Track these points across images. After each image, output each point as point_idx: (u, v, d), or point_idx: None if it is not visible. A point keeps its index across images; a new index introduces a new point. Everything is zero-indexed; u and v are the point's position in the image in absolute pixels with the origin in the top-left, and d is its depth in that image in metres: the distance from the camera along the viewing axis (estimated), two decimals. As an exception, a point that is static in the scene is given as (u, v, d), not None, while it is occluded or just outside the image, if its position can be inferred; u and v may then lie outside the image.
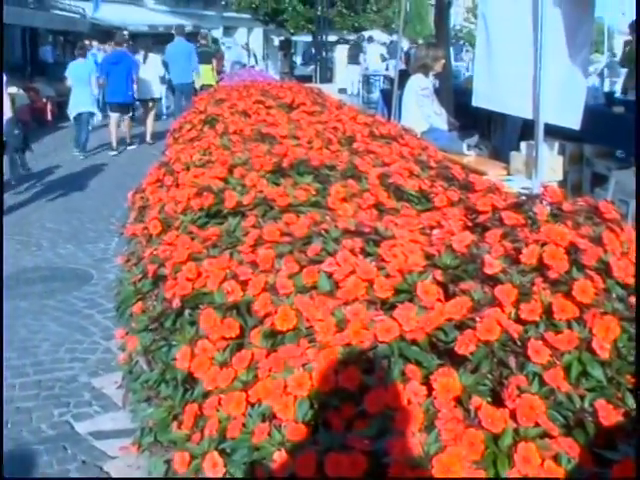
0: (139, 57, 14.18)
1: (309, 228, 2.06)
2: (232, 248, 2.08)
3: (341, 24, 28.86)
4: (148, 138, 13.46)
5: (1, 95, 6.75)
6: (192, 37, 17.50)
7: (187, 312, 1.93)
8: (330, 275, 1.75)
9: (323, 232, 2.01)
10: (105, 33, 20.80)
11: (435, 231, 2.02)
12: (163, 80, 14.73)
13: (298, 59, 31.12)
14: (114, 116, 12.90)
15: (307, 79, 18.91)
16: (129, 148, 13.04)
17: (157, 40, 22.74)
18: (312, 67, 24.20)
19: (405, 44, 23.28)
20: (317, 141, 3.45)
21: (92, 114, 12.70)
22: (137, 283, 2.32)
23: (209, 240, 2.19)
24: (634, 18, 7.61)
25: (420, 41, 29.81)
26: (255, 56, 32.02)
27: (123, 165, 11.24)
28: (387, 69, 21.61)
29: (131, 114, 13.42)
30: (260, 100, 5.00)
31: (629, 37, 11.44)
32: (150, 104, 13.91)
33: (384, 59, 21.84)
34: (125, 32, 19.94)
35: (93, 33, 20.55)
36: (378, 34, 27.53)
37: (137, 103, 13.76)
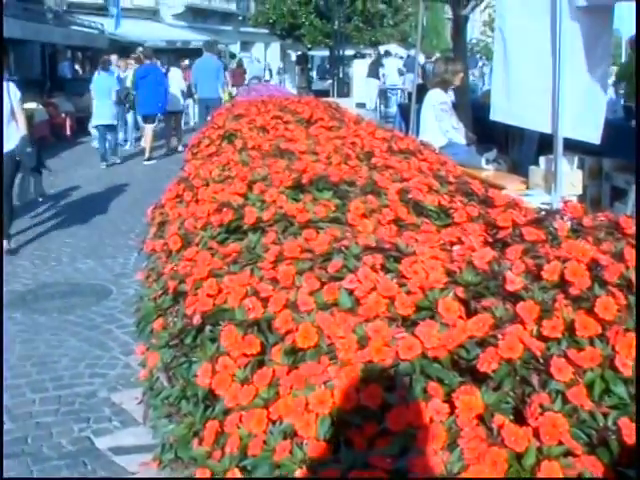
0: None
1: (329, 244, 2.07)
2: (253, 264, 2.10)
3: (358, 38, 29.01)
4: (180, 147, 14.08)
5: (0, 102, 6.88)
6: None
7: (208, 329, 1.94)
8: (351, 292, 1.76)
9: (343, 248, 2.02)
10: (123, 49, 21.02)
11: (455, 247, 2.03)
12: (183, 94, 15.12)
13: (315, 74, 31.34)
14: (148, 126, 13.68)
15: (324, 94, 19.00)
16: (146, 163, 13.22)
17: (176, 55, 23.02)
18: (329, 82, 24.30)
19: (421, 58, 23.28)
20: (336, 156, 3.47)
21: (111, 127, 13.26)
22: (157, 299, 2.34)
23: (229, 256, 2.20)
24: (633, 33, 7.53)
25: (438, 55, 29.82)
26: (270, 70, 32.22)
27: (141, 181, 11.33)
28: (404, 83, 21.66)
29: (155, 124, 13.94)
30: (278, 115, 5.03)
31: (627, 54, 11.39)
32: (179, 116, 14.74)
33: (401, 73, 21.87)
34: (140, 49, 20.25)
35: (111, 49, 20.78)
36: (395, 48, 27.58)
37: (159, 115, 14.23)
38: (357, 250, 2.00)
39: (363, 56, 27.62)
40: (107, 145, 12.98)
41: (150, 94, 13.35)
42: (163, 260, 2.65)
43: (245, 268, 2.09)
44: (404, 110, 10.09)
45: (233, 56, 30.11)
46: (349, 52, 27.20)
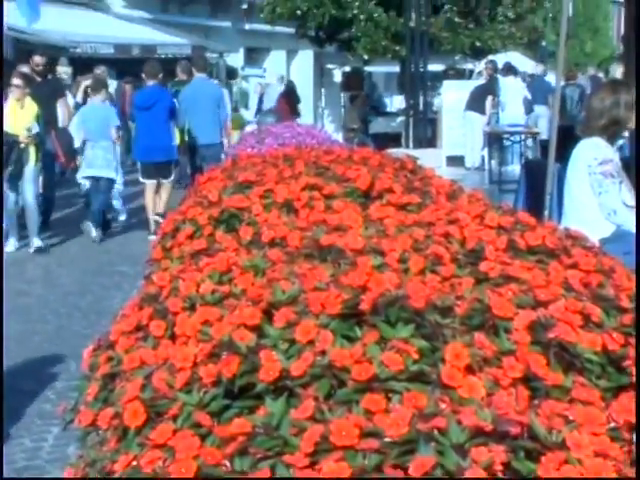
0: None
1: (410, 424, 2.09)
2: (275, 457, 2.12)
3: (452, 42, 29.48)
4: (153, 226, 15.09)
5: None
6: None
7: None
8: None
9: (435, 432, 2.04)
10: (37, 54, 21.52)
11: (638, 434, 2.03)
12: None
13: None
14: (149, 183, 15.38)
15: (392, 141, 19.25)
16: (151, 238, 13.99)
17: (131, 69, 23.64)
18: (400, 119, 24.69)
19: (550, 77, 23.57)
20: (416, 259, 3.51)
21: (111, 181, 15.42)
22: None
23: (233, 442, 2.23)
24: None
25: (591, 71, 30.28)
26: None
27: (67, 292, 11.49)
28: (527, 122, 21.88)
29: (172, 177, 15.56)
30: (314, 184, 5.11)
31: None
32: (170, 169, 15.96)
33: (529, 107, 22.16)
34: (63, 60, 21.15)
35: (18, 56, 21.21)
36: (519, 59, 28.00)
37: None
38: (460, 435, 2.02)
39: (460, 73, 28.12)
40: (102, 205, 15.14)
41: (157, 132, 14.92)
42: (112, 445, 2.68)
43: (261, 464, 2.11)
44: (534, 172, 10.16)
45: (232, 74, 30.80)
46: (436, 67, 27.72)
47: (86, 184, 15.76)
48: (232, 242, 4.16)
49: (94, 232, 14.99)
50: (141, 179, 16.02)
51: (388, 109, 32.74)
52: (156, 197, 15.53)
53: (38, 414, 7.23)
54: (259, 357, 2.60)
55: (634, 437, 1.92)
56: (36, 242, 14.17)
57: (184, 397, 2.59)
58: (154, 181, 15.52)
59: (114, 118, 15.83)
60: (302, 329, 2.72)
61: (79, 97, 17.81)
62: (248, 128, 24.52)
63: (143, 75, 16.29)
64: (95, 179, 15.47)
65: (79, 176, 15.88)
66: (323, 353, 2.58)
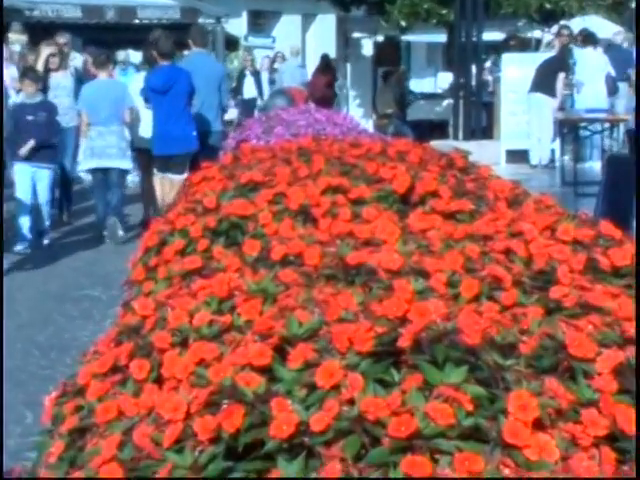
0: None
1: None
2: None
3: (514, 4, 29.47)
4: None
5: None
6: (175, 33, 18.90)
7: None
8: None
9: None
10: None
11: None
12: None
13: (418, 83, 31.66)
14: (160, 177, 15.96)
15: (436, 130, 19.20)
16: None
17: (102, 37, 23.77)
18: (447, 103, 24.67)
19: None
20: (469, 283, 3.51)
21: (124, 172, 16.41)
22: None
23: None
24: None
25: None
26: (255, 74, 32.41)
27: (24, 317, 11.53)
28: (612, 107, 21.74)
29: (185, 174, 15.74)
30: (338, 185, 5.11)
31: None
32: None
33: (613, 87, 22.04)
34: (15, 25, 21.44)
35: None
36: (601, 25, 27.86)
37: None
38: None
39: (524, 44, 28.10)
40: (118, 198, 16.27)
41: (174, 120, 15.52)
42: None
43: None
44: (620, 171, 10.14)
45: (232, 45, 30.78)
46: (493, 35, 27.69)
47: (87, 178, 16.92)
48: (233, 260, 4.16)
49: (121, 231, 15.87)
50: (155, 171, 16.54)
51: (432, 90, 32.70)
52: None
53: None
54: (269, 407, 2.61)
55: None
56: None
57: (174, 457, 2.60)
58: (166, 175, 15.87)
59: (128, 97, 16.50)
60: (324, 371, 2.72)
61: (40, 66, 17.75)
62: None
63: (155, 53, 16.62)
64: (103, 171, 16.25)
65: (81, 168, 17.01)
66: (351, 402, 2.58)
